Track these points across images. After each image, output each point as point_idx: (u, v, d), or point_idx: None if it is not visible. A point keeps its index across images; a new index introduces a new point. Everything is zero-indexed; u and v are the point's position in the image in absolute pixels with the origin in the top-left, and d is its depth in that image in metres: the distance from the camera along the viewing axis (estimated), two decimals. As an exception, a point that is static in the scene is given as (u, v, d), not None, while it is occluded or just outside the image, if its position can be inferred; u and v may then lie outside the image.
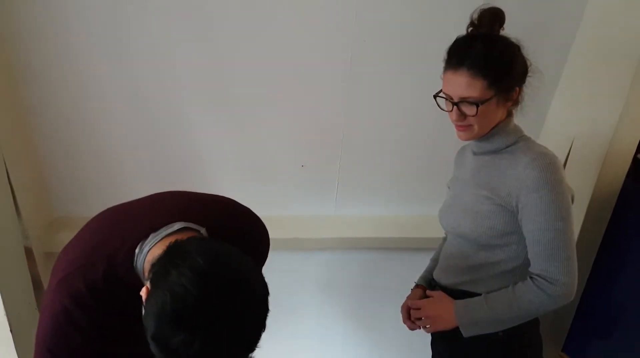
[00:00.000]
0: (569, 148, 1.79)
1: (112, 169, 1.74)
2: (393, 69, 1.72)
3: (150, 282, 0.80)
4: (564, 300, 1.16)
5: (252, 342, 0.81)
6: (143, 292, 0.81)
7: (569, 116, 1.80)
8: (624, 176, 1.70)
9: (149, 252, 0.92)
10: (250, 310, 0.80)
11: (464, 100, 1.16)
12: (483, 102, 1.15)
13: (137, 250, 0.93)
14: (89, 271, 0.93)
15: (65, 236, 1.70)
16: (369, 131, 1.82)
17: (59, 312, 0.92)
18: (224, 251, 0.84)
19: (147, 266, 0.89)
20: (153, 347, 0.77)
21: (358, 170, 1.89)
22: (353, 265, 2.04)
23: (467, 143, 1.37)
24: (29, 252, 1.66)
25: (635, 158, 1.70)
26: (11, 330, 1.55)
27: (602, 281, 1.77)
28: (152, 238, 0.94)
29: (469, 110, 1.17)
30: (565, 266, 1.14)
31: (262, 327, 0.82)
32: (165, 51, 1.58)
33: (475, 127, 1.20)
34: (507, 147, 1.23)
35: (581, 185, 1.71)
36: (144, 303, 0.80)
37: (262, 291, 0.83)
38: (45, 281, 1.77)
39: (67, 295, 0.92)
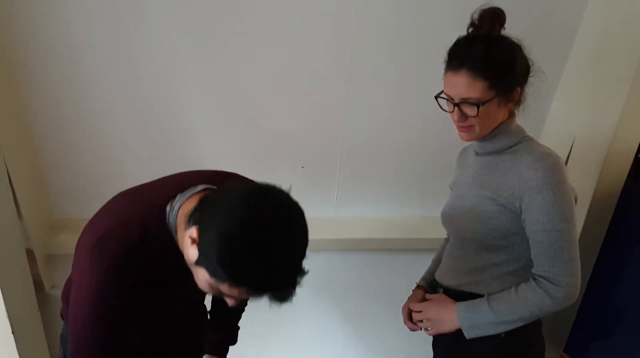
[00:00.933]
0: (569, 148, 1.78)
1: (113, 169, 1.74)
2: (393, 69, 1.72)
3: (199, 221, 0.86)
4: (567, 301, 1.15)
5: (302, 258, 0.88)
6: (193, 233, 0.86)
7: (569, 116, 1.80)
8: (625, 176, 1.70)
9: (180, 208, 0.97)
10: (298, 228, 0.88)
11: (464, 101, 1.16)
12: (484, 103, 1.15)
13: (167, 208, 0.98)
14: (125, 232, 0.96)
15: (66, 238, 1.71)
16: (369, 133, 1.82)
17: (97, 276, 0.94)
18: (259, 184, 0.91)
19: (180, 220, 0.95)
20: (220, 273, 0.82)
21: (358, 171, 1.89)
22: (353, 266, 2.04)
23: (469, 143, 1.37)
24: (30, 253, 1.66)
25: (636, 158, 1.70)
26: (13, 332, 1.55)
27: (604, 282, 1.77)
28: (180, 198, 0.99)
29: (470, 111, 1.17)
30: (569, 268, 1.14)
31: (307, 243, 0.89)
32: (165, 51, 1.58)
33: (477, 128, 1.20)
34: (510, 147, 1.23)
35: (582, 185, 1.71)
36: (198, 241, 0.85)
37: (301, 212, 0.90)
38: (47, 283, 1.77)
39: (105, 259, 0.94)
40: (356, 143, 1.83)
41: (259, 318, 1.98)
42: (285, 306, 2.21)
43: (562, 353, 1.94)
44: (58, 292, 1.78)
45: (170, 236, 0.98)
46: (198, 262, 0.87)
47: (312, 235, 1.90)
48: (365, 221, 1.97)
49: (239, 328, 1.38)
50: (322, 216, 1.96)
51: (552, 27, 1.72)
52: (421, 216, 2.00)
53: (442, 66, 1.21)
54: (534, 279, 1.18)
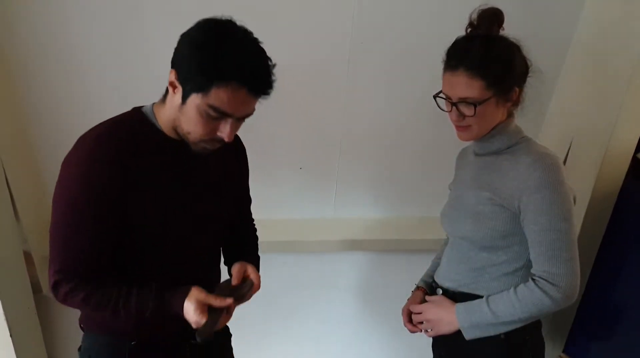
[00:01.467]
0: (568, 148, 1.78)
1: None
2: (391, 71, 1.72)
3: (172, 66, 1.00)
4: (566, 301, 1.15)
5: (263, 50, 1.02)
6: (171, 77, 1.00)
7: (567, 116, 1.80)
8: (624, 175, 1.69)
9: (154, 104, 1.10)
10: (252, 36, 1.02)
11: (462, 100, 1.16)
12: (481, 102, 1.15)
13: (142, 109, 1.11)
14: (108, 120, 1.09)
15: (64, 240, 1.71)
16: (367, 133, 1.82)
17: (82, 153, 1.01)
18: None
19: (157, 105, 1.09)
20: (203, 81, 0.94)
21: (356, 172, 1.89)
22: (352, 267, 2.03)
23: (468, 144, 1.37)
24: (28, 256, 1.66)
25: (634, 157, 1.70)
26: (11, 334, 1.55)
27: (603, 282, 1.77)
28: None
29: (468, 110, 1.17)
30: (568, 268, 1.14)
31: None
32: (165, 52, 1.56)
33: (475, 127, 1.20)
34: (509, 148, 1.23)
35: (581, 185, 1.71)
36: (177, 75, 0.99)
37: None
38: (45, 285, 1.76)
39: (88, 139, 1.03)
40: (354, 144, 1.83)
41: (257, 319, 1.98)
42: (284, 308, 2.21)
43: (561, 354, 1.94)
44: (56, 295, 1.78)
45: (152, 124, 1.08)
46: (184, 93, 0.98)
47: (310, 236, 1.91)
48: (363, 222, 1.97)
49: (259, 257, 1.38)
50: (320, 217, 1.96)
51: (550, 28, 1.72)
52: (420, 216, 2.00)
53: (441, 67, 1.21)
54: (533, 279, 1.18)
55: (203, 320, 1.03)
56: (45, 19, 1.47)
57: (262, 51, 1.01)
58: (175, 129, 1.06)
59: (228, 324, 1.39)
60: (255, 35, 1.03)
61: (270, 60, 1.01)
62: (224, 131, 1.01)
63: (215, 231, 1.22)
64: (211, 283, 1.27)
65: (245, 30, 1.01)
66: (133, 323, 1.12)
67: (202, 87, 0.95)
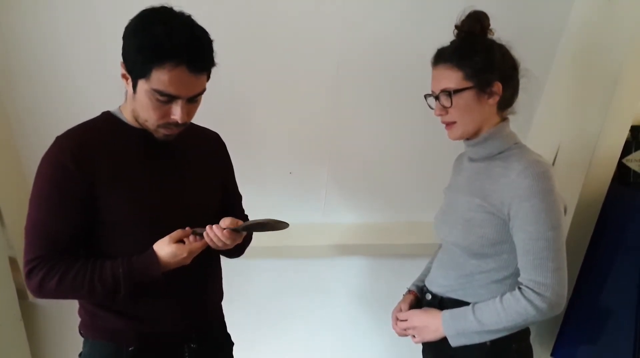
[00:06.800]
0: (555, 153, 1.80)
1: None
2: (380, 77, 1.72)
3: (122, 57, 1.02)
4: (552, 312, 1.15)
5: (199, 26, 1.02)
6: (122, 68, 1.02)
7: (554, 122, 1.82)
8: (610, 180, 1.71)
9: (120, 105, 1.14)
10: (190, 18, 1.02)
11: (442, 92, 1.20)
12: (457, 91, 1.17)
13: (111, 110, 1.14)
14: (75, 126, 1.11)
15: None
16: (357, 139, 1.82)
17: (46, 153, 1.06)
18: None
19: (122, 104, 1.13)
20: (145, 64, 0.96)
21: (346, 177, 1.89)
22: (341, 272, 2.03)
23: (465, 149, 1.37)
24: (13, 262, 1.64)
25: (620, 162, 1.72)
26: (-5, 341, 1.53)
27: (590, 285, 1.78)
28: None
29: (446, 101, 1.19)
30: (554, 278, 1.14)
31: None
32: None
33: (459, 124, 1.22)
34: (501, 153, 1.24)
35: (568, 189, 1.72)
36: (125, 64, 1.01)
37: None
38: (30, 291, 1.74)
39: (55, 142, 1.07)
40: (344, 149, 1.83)
41: (245, 324, 1.96)
42: (273, 313, 2.19)
43: (549, 357, 1.95)
44: (42, 301, 1.76)
45: (119, 120, 1.11)
46: (133, 83, 1.00)
47: (300, 241, 1.90)
48: (353, 227, 1.97)
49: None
50: (309, 222, 1.96)
51: (536, 34, 1.73)
52: (408, 221, 2.00)
53: (428, 76, 1.24)
54: (519, 288, 1.18)
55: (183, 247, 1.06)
56: (37, 20, 1.46)
57: (197, 28, 1.01)
58: (137, 119, 1.08)
59: (230, 332, 1.39)
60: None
61: (208, 36, 1.02)
62: (176, 114, 1.02)
63: (196, 219, 1.14)
64: (206, 275, 1.25)
65: (181, 13, 1.01)
66: (126, 321, 1.12)
67: (143, 73, 0.97)
